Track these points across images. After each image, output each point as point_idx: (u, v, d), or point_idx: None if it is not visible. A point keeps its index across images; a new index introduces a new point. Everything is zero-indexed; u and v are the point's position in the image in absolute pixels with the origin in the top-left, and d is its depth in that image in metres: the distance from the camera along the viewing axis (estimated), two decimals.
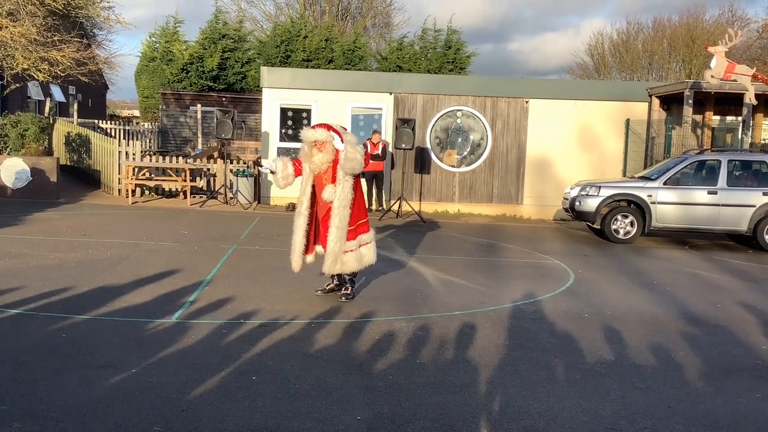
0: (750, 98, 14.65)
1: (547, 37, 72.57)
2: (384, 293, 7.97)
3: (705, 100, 16.43)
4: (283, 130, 17.50)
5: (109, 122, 26.95)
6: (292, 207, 16.23)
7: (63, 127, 19.98)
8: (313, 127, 7.59)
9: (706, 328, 7.08)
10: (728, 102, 16.49)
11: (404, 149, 15.70)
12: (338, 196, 7.29)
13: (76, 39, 18.08)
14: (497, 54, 67.92)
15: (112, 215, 13.84)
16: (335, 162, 7.39)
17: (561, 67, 67.92)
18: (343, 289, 7.68)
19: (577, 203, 13.65)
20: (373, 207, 16.52)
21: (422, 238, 12.89)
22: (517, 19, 72.35)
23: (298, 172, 7.58)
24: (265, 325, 6.35)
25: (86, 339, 5.74)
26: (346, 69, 25.95)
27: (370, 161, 16.33)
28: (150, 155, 18.33)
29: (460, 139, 17.74)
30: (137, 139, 20.28)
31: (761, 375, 5.67)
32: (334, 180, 7.39)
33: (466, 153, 17.73)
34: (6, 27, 15.58)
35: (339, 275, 7.65)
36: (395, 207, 15.92)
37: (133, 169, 16.39)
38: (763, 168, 13.28)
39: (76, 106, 24.90)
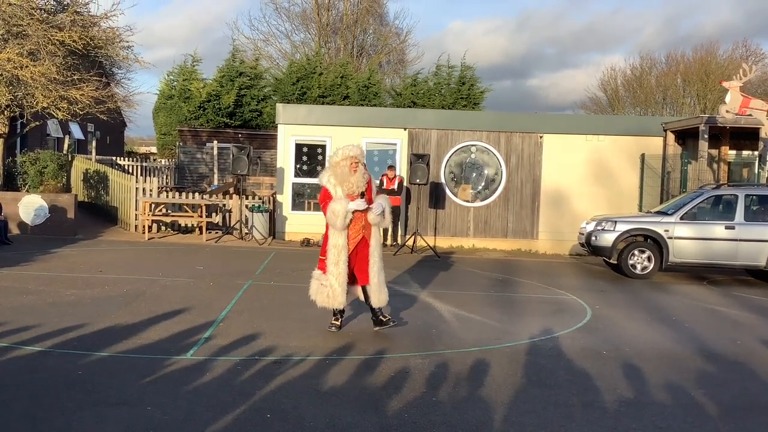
0: (766, 132, 14.60)
1: (566, 73, 73.18)
2: (399, 329, 7.92)
3: (720, 135, 16.38)
4: (298, 166, 17.63)
5: (126, 159, 27.25)
6: (306, 242, 16.27)
7: (81, 164, 20.23)
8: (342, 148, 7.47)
9: (725, 365, 6.97)
10: (744, 136, 16.43)
11: (419, 184, 15.75)
12: (374, 235, 7.49)
13: (95, 78, 18.37)
14: (516, 89, 68.48)
15: (129, 251, 13.93)
16: (369, 183, 7.49)
17: (575, 102, 68.26)
18: (380, 316, 7.59)
19: (593, 238, 13.58)
20: (388, 242, 16.53)
21: (437, 273, 12.84)
22: (538, 56, 73.05)
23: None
24: (280, 362, 6.32)
25: (102, 376, 5.74)
26: (361, 105, 26.18)
27: (388, 196, 16.40)
28: (167, 191, 18.50)
29: (474, 174, 17.78)
30: (154, 176, 20.50)
31: None
32: (371, 199, 7.42)
33: (480, 188, 17.75)
34: (27, 66, 15.88)
35: (373, 308, 7.61)
36: (410, 242, 15.91)
37: (150, 205, 16.53)
38: None
39: (94, 143, 25.23)
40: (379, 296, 7.46)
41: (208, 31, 70.10)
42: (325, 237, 7.49)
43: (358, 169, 7.30)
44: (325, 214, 7.33)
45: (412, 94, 27.96)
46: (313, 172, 17.71)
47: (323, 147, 17.55)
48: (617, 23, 72.43)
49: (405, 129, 17.48)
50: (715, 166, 16.92)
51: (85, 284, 9.84)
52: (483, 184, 17.76)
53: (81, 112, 17.56)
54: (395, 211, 16.51)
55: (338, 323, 7.67)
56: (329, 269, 7.31)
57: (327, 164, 7.54)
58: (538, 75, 75.60)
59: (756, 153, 16.15)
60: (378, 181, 16.61)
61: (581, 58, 75.44)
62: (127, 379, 5.67)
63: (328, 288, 7.31)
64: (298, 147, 17.58)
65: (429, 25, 76.22)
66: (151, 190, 17.42)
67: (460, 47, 65.39)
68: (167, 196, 17.58)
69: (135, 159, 27.88)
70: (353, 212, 7.27)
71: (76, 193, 17.71)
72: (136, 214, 17.26)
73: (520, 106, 65.71)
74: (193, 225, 17.32)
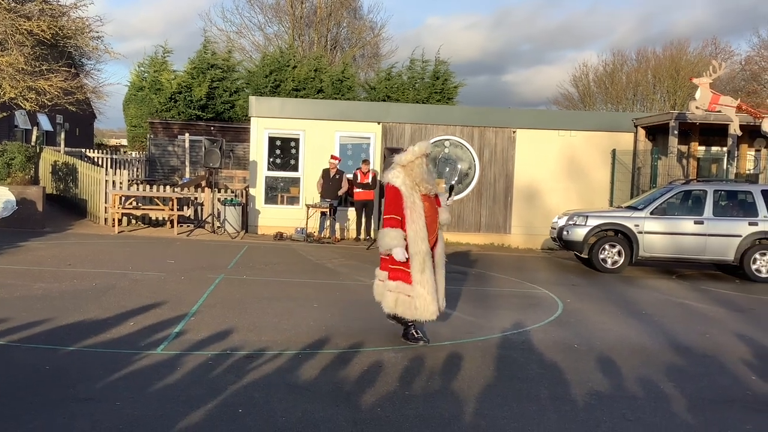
0: (734, 129, 14.82)
1: (541, 69, 73.71)
2: (372, 323, 7.90)
3: (690, 131, 16.60)
4: (271, 159, 17.53)
5: (96, 151, 26.88)
6: (280, 236, 16.19)
7: (50, 156, 19.90)
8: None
9: (694, 359, 7.06)
10: (713, 133, 16.66)
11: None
12: (441, 238, 7.02)
13: (64, 68, 18.08)
14: (491, 85, 68.80)
15: (98, 245, 13.73)
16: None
17: (548, 98, 68.77)
18: (414, 332, 7.04)
19: (565, 233, 13.68)
20: (361, 236, 16.50)
21: None
22: (514, 53, 73.47)
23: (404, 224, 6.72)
24: (252, 357, 6.27)
25: (70, 371, 5.65)
26: (335, 99, 26.09)
27: (361, 190, 16.39)
28: (137, 184, 18.27)
29: (447, 169, 17.78)
30: (124, 168, 20.22)
31: (751, 406, 5.64)
32: (438, 202, 6.97)
33: (453, 182, 17.76)
34: None
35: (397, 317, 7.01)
36: None
37: (120, 198, 16.31)
38: (749, 198, 13.39)
39: (63, 135, 24.85)
40: (441, 302, 6.91)
41: (184, 23, 69.50)
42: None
43: (429, 166, 6.83)
44: (383, 226, 6.77)
45: (387, 88, 27.92)
46: (286, 166, 17.62)
47: (296, 140, 17.46)
48: (592, 21, 73.11)
49: (379, 123, 17.45)
50: (684, 161, 17.15)
51: (53, 278, 9.68)
52: (456, 178, 17.78)
53: (49, 104, 17.28)
54: (369, 205, 16.53)
55: (421, 335, 7.03)
56: (415, 278, 6.65)
57: (395, 162, 6.84)
58: (513, 71, 76.10)
59: (725, 149, 16.38)
60: (352, 175, 16.58)
61: (556, 55, 76.11)
62: (95, 374, 5.59)
63: (416, 299, 6.65)
64: (272, 140, 17.47)
65: (406, 21, 76.28)
66: (121, 183, 17.19)
67: (437, 43, 65.69)
68: (137, 189, 17.36)
69: (105, 151, 27.54)
70: (427, 213, 6.73)
71: (44, 186, 17.42)
72: (105, 207, 17.02)
73: (495, 101, 65.96)
74: (164, 218, 17.13)
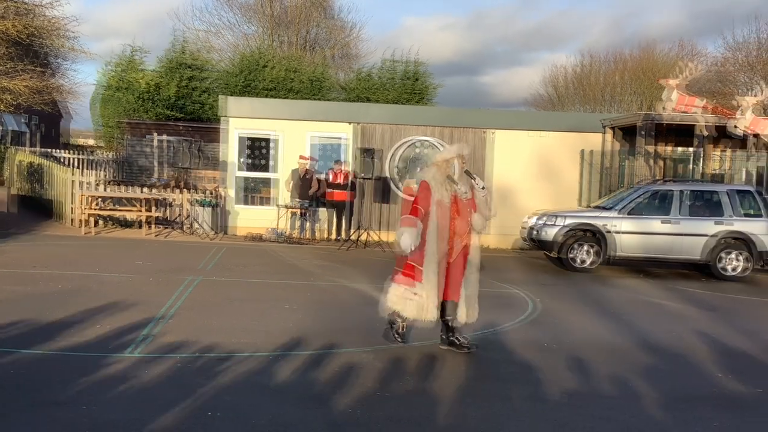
0: (701, 130, 15.04)
1: (517, 71, 74.22)
2: (346, 324, 7.89)
3: (658, 132, 16.80)
4: (245, 160, 17.41)
5: (65, 151, 26.49)
6: (254, 237, 16.08)
7: (17, 156, 19.56)
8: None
9: (664, 357, 7.14)
10: (680, 133, 16.89)
11: (366, 179, 15.71)
12: (475, 242, 6.86)
13: (37, 68, 17.79)
14: (468, 86, 69.06)
15: (66, 246, 13.52)
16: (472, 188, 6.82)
17: (523, 99, 69.31)
18: (458, 337, 6.88)
19: (536, 232, 13.78)
20: (335, 236, 16.46)
21: (384, 267, 12.83)
22: (490, 54, 73.85)
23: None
24: (224, 359, 6.21)
25: (37, 375, 5.55)
26: (309, 99, 26.00)
27: (335, 190, 16.35)
28: (107, 184, 18.02)
29: (421, 169, 17.83)
30: (94, 168, 19.94)
31: (719, 403, 5.73)
32: (474, 206, 6.81)
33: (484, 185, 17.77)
34: None
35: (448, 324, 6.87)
36: (357, 236, 15.87)
37: (89, 198, 16.09)
38: (715, 198, 13.60)
39: (39, 136, 24.46)
40: (469, 311, 6.78)
41: (159, 22, 68.70)
42: (421, 239, 6.64)
43: (464, 169, 6.73)
44: (401, 224, 6.63)
45: (362, 88, 27.91)
46: (259, 166, 17.51)
47: (270, 141, 17.37)
48: (567, 23, 73.66)
49: (352, 123, 17.41)
50: (652, 162, 17.36)
51: (18, 281, 9.50)
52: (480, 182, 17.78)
53: (24, 104, 16.99)
54: (342, 206, 16.49)
55: (399, 337, 7.01)
56: (426, 277, 6.53)
57: (431, 162, 6.82)
58: (490, 72, 76.47)
59: (692, 149, 16.63)
60: (324, 176, 16.53)
61: (532, 56, 76.64)
62: (63, 378, 5.49)
63: (421, 300, 6.53)
64: (245, 140, 17.35)
65: (383, 21, 76.24)
66: (89, 183, 16.95)
67: (414, 44, 65.60)
68: (107, 189, 17.13)
69: (74, 151, 27.14)
70: (455, 215, 6.61)
71: (9, 186, 17.11)
72: (73, 208, 16.78)
73: (472, 102, 66.20)
74: (135, 219, 16.93)
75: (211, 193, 17.41)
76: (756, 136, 14.43)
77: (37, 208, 18.17)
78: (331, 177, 16.25)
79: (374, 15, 72.71)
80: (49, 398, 5.05)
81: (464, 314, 6.75)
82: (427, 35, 66.28)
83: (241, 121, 17.23)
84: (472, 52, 72.76)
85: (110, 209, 16.54)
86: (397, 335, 6.97)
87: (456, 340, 6.83)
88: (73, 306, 8.07)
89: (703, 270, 13.64)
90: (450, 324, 6.83)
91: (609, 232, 13.30)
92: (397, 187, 17.53)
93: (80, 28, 42.94)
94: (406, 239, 6.49)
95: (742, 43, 38.65)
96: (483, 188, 6.80)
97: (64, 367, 5.80)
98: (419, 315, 6.58)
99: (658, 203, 13.77)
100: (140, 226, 16.14)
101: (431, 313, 6.55)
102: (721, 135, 15.95)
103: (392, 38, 63.44)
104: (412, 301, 6.57)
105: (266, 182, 17.47)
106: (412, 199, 6.90)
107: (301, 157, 16.34)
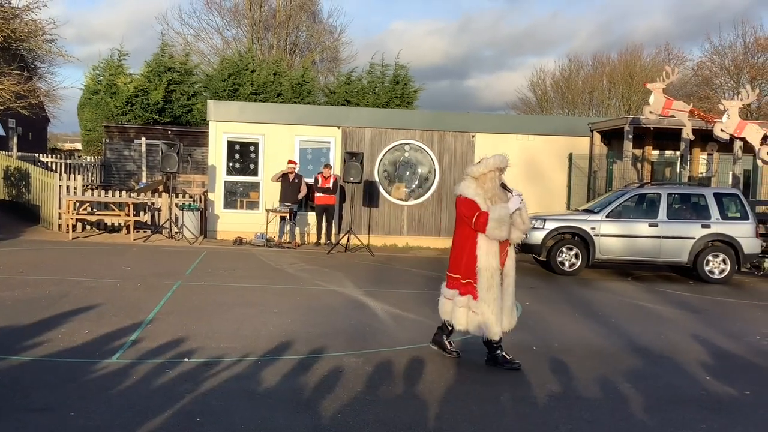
0: (687, 133, 15.13)
1: (503, 75, 74.50)
2: (333, 328, 7.87)
3: (644, 135, 16.93)
4: (230, 164, 17.37)
5: (50, 156, 26.32)
6: (239, 241, 16.04)
7: (2, 161, 19.41)
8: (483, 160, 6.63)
9: (651, 360, 7.17)
10: (666, 137, 17.02)
11: (352, 183, 15.70)
12: (512, 252, 6.70)
13: (16, 71, 17.66)
14: (453, 89, 69.26)
15: (52, 251, 13.43)
16: None
17: (507, 103, 69.52)
18: (501, 352, 6.64)
19: (523, 236, 13.79)
20: (322, 240, 16.44)
21: (371, 271, 12.84)
22: (477, 58, 74.11)
23: None
24: (210, 364, 6.18)
25: (22, 381, 5.50)
26: (295, 103, 25.98)
27: (321, 195, 16.33)
28: (92, 189, 17.92)
29: (408, 173, 17.87)
30: (79, 173, 19.80)
31: (705, 406, 5.76)
32: None
33: (414, 186, 17.84)
34: None
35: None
36: (344, 240, 15.86)
37: (74, 203, 15.98)
38: (701, 201, 13.68)
39: (15, 140, 24.27)
40: (508, 320, 6.55)
41: (145, 26, 68.54)
42: (464, 254, 6.52)
43: (502, 182, 6.54)
44: (480, 229, 6.36)
45: (346, 92, 27.92)
46: (245, 170, 17.48)
47: (256, 145, 17.34)
48: (554, 27, 74.08)
49: (339, 127, 17.42)
50: (639, 165, 17.48)
51: (4, 286, 9.42)
52: (417, 182, 17.86)
53: (1, 107, 16.86)
54: (330, 210, 16.48)
55: (453, 347, 6.91)
56: (481, 295, 6.37)
57: (467, 174, 6.67)
58: (476, 76, 76.74)
59: (678, 153, 16.74)
60: (312, 180, 16.51)
61: (518, 60, 76.96)
62: (49, 384, 5.45)
63: (481, 317, 6.39)
64: (231, 144, 17.32)
65: (371, 25, 76.38)
66: (75, 188, 16.85)
67: (402, 48, 66.00)
68: (93, 194, 17.04)
69: (59, 156, 26.97)
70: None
71: None
72: (59, 213, 16.66)
73: (457, 105, 66.52)
74: (120, 224, 16.84)
75: (199, 198, 17.33)
76: (742, 139, 14.54)
77: (21, 213, 18.03)
78: (320, 181, 16.23)
79: (362, 19, 73.11)
80: (35, 404, 5.01)
81: (507, 323, 6.55)
82: (414, 39, 66.60)
83: (227, 125, 17.20)
84: (458, 56, 73.08)
85: (97, 214, 16.43)
86: (451, 349, 6.85)
87: (504, 355, 6.62)
88: (61, 311, 8.01)
89: (690, 273, 13.72)
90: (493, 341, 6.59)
91: (596, 235, 13.35)
92: (386, 191, 17.55)
93: (62, 31, 42.71)
94: (501, 211, 6.35)
95: (727, 47, 38.98)
96: (521, 201, 6.71)
97: (50, 373, 5.75)
98: (481, 333, 6.48)
99: (645, 206, 13.84)
100: (128, 231, 16.05)
101: (493, 332, 6.41)
102: (708, 138, 16.08)
103: (380, 42, 63.62)
104: (474, 321, 6.44)
105: (254, 186, 17.43)
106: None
107: (290, 162, 16.32)
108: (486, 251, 6.39)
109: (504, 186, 6.58)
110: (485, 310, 6.38)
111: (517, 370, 6.50)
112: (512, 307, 6.63)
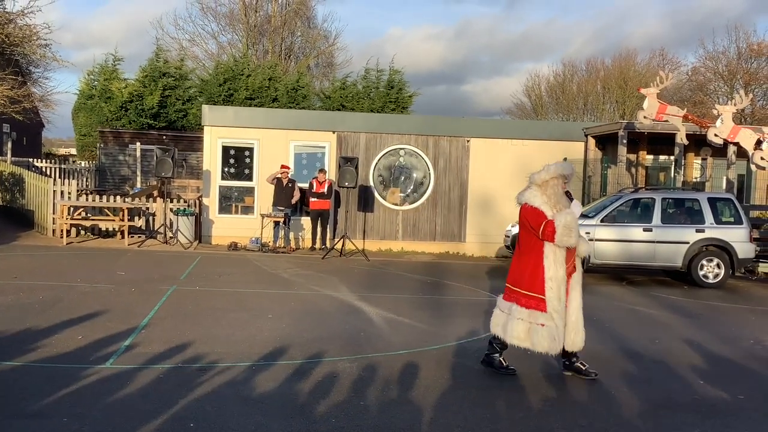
0: (681, 138, 15.19)
1: (499, 80, 74.71)
2: (327, 333, 7.86)
3: (638, 140, 16.97)
4: (225, 169, 17.35)
5: (44, 161, 26.26)
6: (234, 246, 16.01)
7: None
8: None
9: (645, 364, 7.18)
10: (661, 142, 17.06)
11: (347, 187, 15.70)
12: (578, 264, 6.48)
13: (10, 76, 17.63)
14: (450, 94, 69.41)
15: (46, 257, 13.39)
16: None
17: (502, 108, 69.73)
18: (579, 362, 6.53)
19: None
20: (317, 246, 16.43)
21: (366, 276, 12.83)
22: (473, 63, 74.33)
23: None
24: (205, 369, 6.17)
25: (15, 387, 5.48)
26: (290, 108, 25.99)
27: (316, 200, 16.32)
28: (86, 194, 17.88)
29: (403, 178, 17.87)
30: (74, 178, 19.76)
31: (699, 410, 5.76)
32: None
33: (409, 191, 17.85)
34: None
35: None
36: (339, 245, 15.85)
37: (69, 208, 15.94)
38: (696, 206, 13.71)
39: (9, 145, 24.22)
40: (575, 337, 6.34)
41: (143, 32, 68.59)
42: (530, 264, 6.30)
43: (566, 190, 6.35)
44: (549, 238, 6.13)
45: (341, 97, 27.93)
46: (240, 175, 17.47)
47: (251, 150, 17.33)
48: (550, 33, 74.31)
49: (334, 132, 17.42)
50: (633, 170, 17.52)
51: None
52: (411, 187, 17.87)
53: (4, 113, 16.84)
54: (325, 215, 16.47)
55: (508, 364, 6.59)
56: (553, 306, 6.15)
57: (531, 182, 6.44)
58: (471, 81, 76.91)
59: (672, 158, 16.78)
60: (308, 185, 16.50)
61: (514, 66, 77.19)
62: (42, 390, 5.43)
63: (554, 330, 6.16)
64: (225, 149, 17.30)
65: (368, 31, 76.50)
66: (69, 193, 16.81)
67: (399, 53, 65.86)
68: (87, 199, 16.99)
69: (53, 161, 26.92)
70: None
71: None
72: (54, 218, 16.62)
73: (453, 110, 66.50)
74: (114, 229, 16.79)
75: (194, 203, 17.31)
76: (735, 144, 14.59)
77: (15, 218, 17.99)
78: (315, 186, 16.22)
79: (360, 25, 73.16)
80: (28, 410, 4.99)
81: (570, 341, 6.36)
82: (412, 45, 66.73)
83: (222, 130, 17.18)
84: (456, 62, 73.26)
85: (91, 219, 16.40)
86: (503, 369, 6.53)
87: (581, 365, 6.52)
88: (54, 316, 7.99)
89: (684, 277, 13.74)
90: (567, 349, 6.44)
91: (591, 240, 13.36)
92: (381, 196, 17.55)
93: (60, 36, 42.64)
94: (568, 216, 6.14)
95: (720, 53, 39.12)
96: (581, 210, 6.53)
97: (44, 378, 5.73)
98: (551, 347, 6.19)
99: (640, 211, 13.87)
100: (122, 236, 16.01)
101: (562, 342, 6.23)
102: (702, 143, 16.13)
103: (378, 47, 63.80)
104: (540, 334, 6.17)
105: (249, 191, 17.41)
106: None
107: (283, 167, 16.31)
108: (553, 260, 6.19)
109: (567, 194, 6.38)
110: (557, 323, 6.18)
111: (512, 375, 6.47)
112: (579, 322, 6.37)
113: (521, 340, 6.25)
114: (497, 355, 6.56)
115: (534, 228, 6.24)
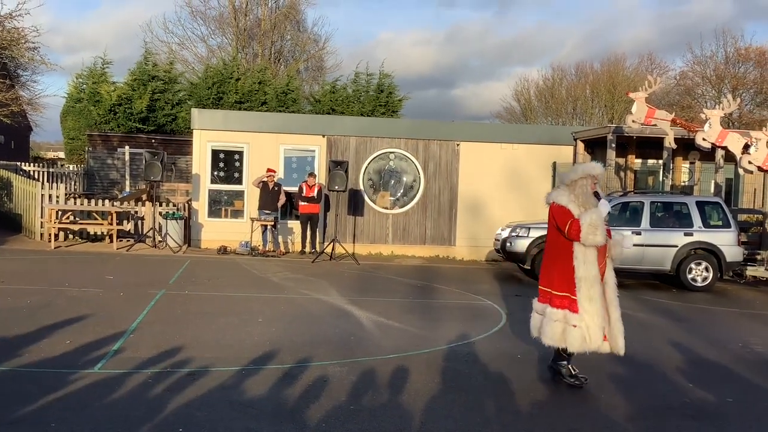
0: (669, 142, 15.27)
1: (489, 84, 74.87)
2: (318, 337, 7.84)
3: (627, 144, 17.05)
4: (215, 173, 17.30)
5: (32, 164, 26.10)
6: (223, 250, 15.96)
7: None
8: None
9: (634, 368, 7.19)
10: (649, 145, 17.15)
11: (337, 191, 15.68)
12: (610, 264, 6.39)
13: None
14: (440, 98, 69.49)
15: (33, 261, 13.30)
16: None
17: (492, 112, 69.88)
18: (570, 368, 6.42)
19: (508, 244, 13.85)
20: (306, 249, 16.40)
21: (356, 280, 12.82)
22: (464, 68, 74.43)
23: None
24: (194, 374, 6.14)
25: (1, 392, 5.43)
26: (279, 111, 25.94)
27: (306, 204, 16.30)
28: (75, 198, 17.78)
29: (393, 181, 17.88)
30: (62, 182, 19.64)
31: (689, 414, 5.78)
32: (609, 233, 6.29)
33: (399, 195, 17.85)
34: None
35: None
36: (329, 249, 15.82)
37: (57, 212, 15.85)
38: (684, 209, 13.78)
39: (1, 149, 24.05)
40: (619, 338, 6.22)
41: (133, 35, 68.36)
42: (558, 264, 6.27)
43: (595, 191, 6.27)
44: (574, 236, 6.07)
45: (331, 101, 27.90)
46: (230, 179, 17.42)
47: (240, 153, 17.30)
48: (540, 38, 74.56)
49: (324, 136, 17.41)
50: (622, 174, 17.59)
51: None
52: (401, 191, 17.87)
53: None
54: (314, 219, 16.44)
55: (577, 373, 6.40)
56: (583, 307, 6.05)
57: (560, 182, 6.43)
58: (462, 85, 77.02)
59: (660, 162, 16.86)
60: (297, 189, 16.48)
61: (504, 70, 77.35)
62: (29, 395, 5.38)
63: (584, 330, 6.04)
64: (215, 153, 17.25)
65: (359, 35, 76.49)
66: (57, 197, 16.71)
67: (389, 58, 66.13)
68: (75, 203, 16.90)
69: (41, 164, 26.75)
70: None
71: None
72: (41, 222, 16.51)
73: (443, 114, 66.73)
74: (103, 233, 16.71)
75: (183, 207, 17.24)
76: (723, 148, 14.67)
77: (3, 222, 17.86)
78: (305, 190, 16.20)
79: (350, 29, 73.20)
80: (13, 415, 4.94)
81: (619, 343, 6.25)
82: (403, 49, 66.86)
83: (211, 133, 17.14)
84: (446, 66, 73.39)
85: (80, 223, 16.30)
86: (572, 378, 6.36)
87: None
88: (42, 321, 7.93)
89: (673, 280, 13.80)
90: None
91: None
92: (371, 200, 17.54)
93: (50, 39, 42.48)
94: (593, 214, 6.05)
95: (708, 57, 39.38)
96: (610, 211, 6.45)
97: (31, 383, 5.68)
98: (582, 347, 6.08)
99: (628, 214, 13.92)
100: (111, 240, 15.93)
101: (595, 342, 6.07)
102: (690, 147, 16.21)
103: (369, 52, 63.78)
104: (572, 335, 6.09)
105: (238, 195, 17.37)
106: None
107: (269, 170, 16.29)
108: (583, 259, 6.10)
109: (596, 194, 6.33)
110: (589, 323, 6.05)
111: (579, 388, 6.25)
112: (619, 321, 6.25)
113: (556, 341, 6.20)
114: (565, 362, 6.41)
115: (560, 227, 6.23)
